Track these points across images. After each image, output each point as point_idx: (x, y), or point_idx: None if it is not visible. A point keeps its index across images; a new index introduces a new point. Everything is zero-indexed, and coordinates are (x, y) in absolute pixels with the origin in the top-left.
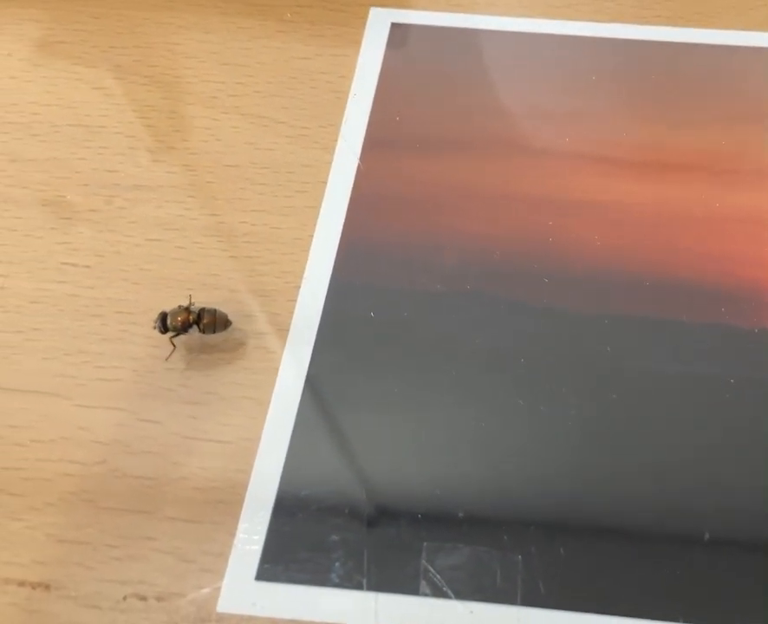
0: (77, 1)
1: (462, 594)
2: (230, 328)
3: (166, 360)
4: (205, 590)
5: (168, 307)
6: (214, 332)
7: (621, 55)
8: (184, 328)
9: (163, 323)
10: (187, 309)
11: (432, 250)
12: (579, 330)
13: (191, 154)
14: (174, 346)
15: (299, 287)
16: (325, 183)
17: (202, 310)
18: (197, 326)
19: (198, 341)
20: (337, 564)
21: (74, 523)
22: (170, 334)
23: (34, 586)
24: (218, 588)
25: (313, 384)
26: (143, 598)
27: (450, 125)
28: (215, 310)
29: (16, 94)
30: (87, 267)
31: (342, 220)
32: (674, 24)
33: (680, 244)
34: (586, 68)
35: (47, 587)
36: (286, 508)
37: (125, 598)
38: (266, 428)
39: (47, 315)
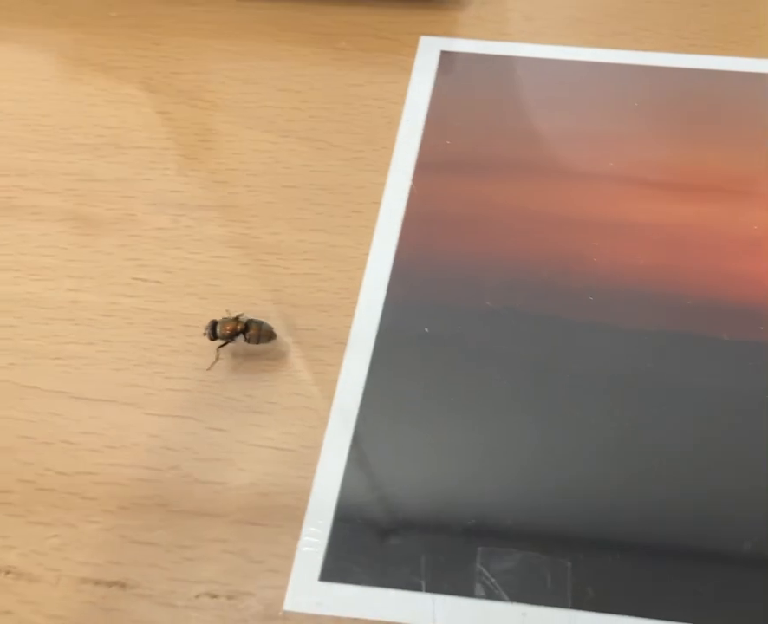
0: (139, 28)
1: (515, 597)
2: (274, 341)
3: (208, 370)
4: (272, 589)
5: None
6: (258, 343)
7: (661, 82)
8: (231, 337)
9: (212, 331)
10: (236, 319)
11: (482, 267)
12: (622, 346)
13: (251, 176)
14: (218, 357)
15: (356, 302)
16: (379, 203)
17: (249, 321)
18: (243, 335)
19: (269, 354)
20: (397, 567)
21: (147, 526)
22: (218, 341)
23: (109, 585)
24: (284, 588)
25: (370, 394)
26: (214, 596)
27: (498, 149)
28: (261, 322)
29: (81, 116)
30: (157, 282)
31: (396, 239)
32: (711, 53)
33: (720, 264)
34: (628, 94)
35: (122, 585)
36: (347, 512)
37: (197, 596)
38: (327, 437)
39: (117, 327)
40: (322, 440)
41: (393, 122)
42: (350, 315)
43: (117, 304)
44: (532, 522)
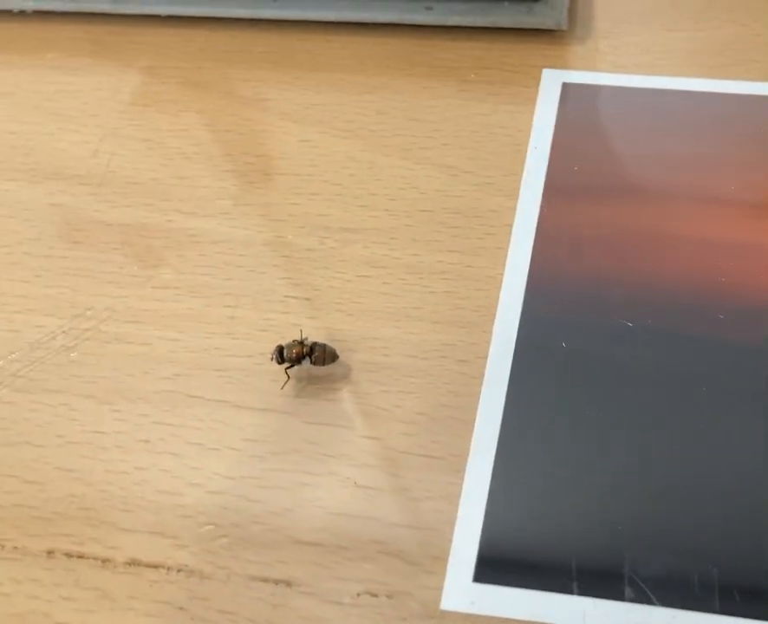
0: (280, 63)
1: (664, 601)
2: (337, 362)
3: (282, 388)
4: (429, 590)
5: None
6: (323, 364)
7: None
8: (297, 360)
9: (280, 355)
10: (301, 343)
11: (613, 286)
12: (756, 363)
13: (390, 200)
14: (288, 377)
15: (493, 319)
16: (510, 226)
17: (314, 344)
18: (309, 358)
19: (418, 366)
20: (547, 570)
21: (310, 527)
22: (285, 365)
23: (276, 582)
24: (440, 589)
25: (512, 405)
26: (375, 595)
27: (622, 174)
28: (325, 345)
29: (230, 145)
30: (307, 299)
31: (529, 259)
32: None
33: None
34: (744, 122)
35: (288, 583)
36: (496, 518)
37: (358, 595)
38: (473, 445)
39: (273, 341)
40: (468, 449)
41: (520, 149)
42: (488, 332)
43: (271, 320)
44: (678, 528)
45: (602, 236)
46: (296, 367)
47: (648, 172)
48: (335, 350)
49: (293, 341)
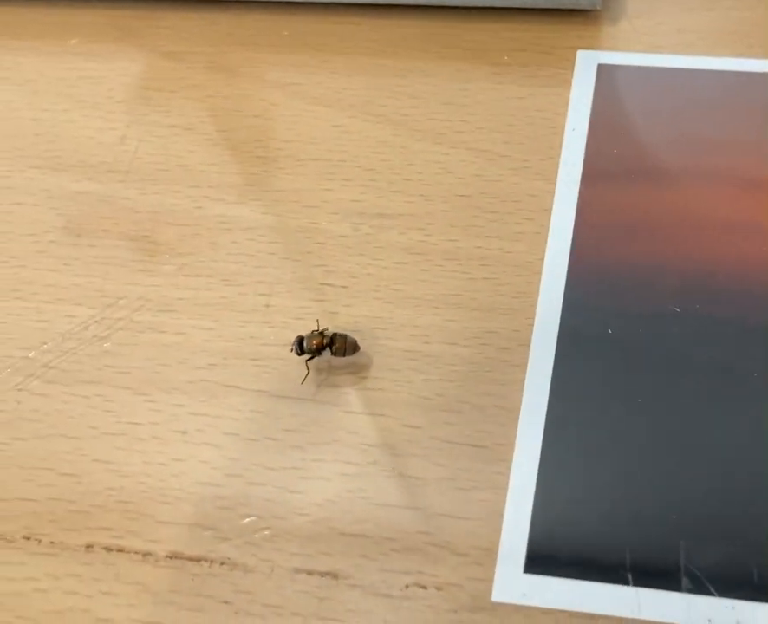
0: (309, 46)
1: (722, 591)
2: (358, 353)
3: (302, 383)
4: (478, 581)
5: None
6: (344, 355)
7: None
8: (318, 351)
9: (299, 346)
10: (321, 334)
11: (656, 271)
12: None
13: (425, 185)
14: (309, 370)
15: (535, 306)
16: (549, 210)
17: (334, 335)
18: (329, 349)
19: (461, 355)
20: (600, 559)
21: (353, 518)
22: (305, 356)
23: (322, 575)
24: (490, 580)
25: (557, 393)
26: (423, 587)
27: (663, 156)
28: (346, 335)
29: (260, 130)
30: (344, 287)
31: (569, 244)
32: None
33: None
34: None
35: (334, 576)
36: (545, 507)
37: (407, 587)
38: (519, 434)
39: (309, 330)
40: (514, 438)
41: (557, 132)
42: (530, 318)
43: (308, 308)
44: (735, 515)
45: (644, 220)
46: (316, 358)
47: (690, 155)
48: (355, 341)
49: (312, 331)
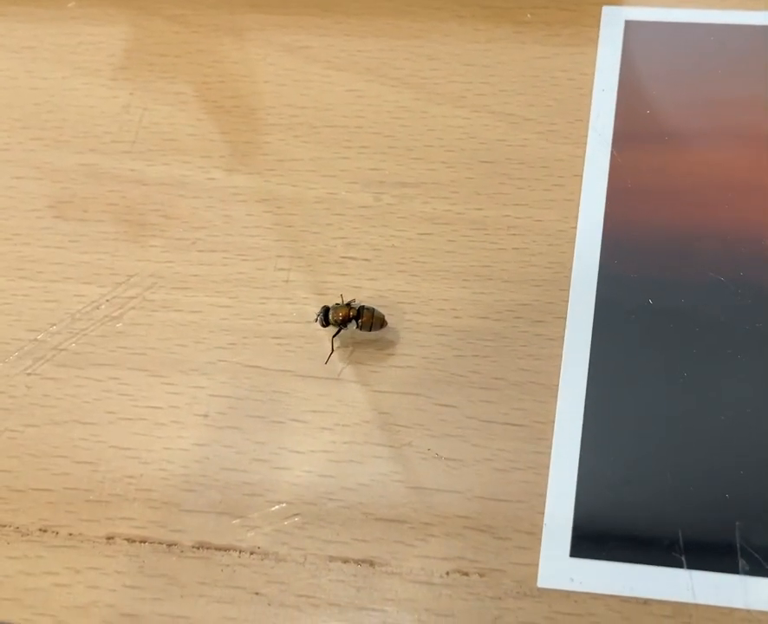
0: (320, 8)
1: None
2: (385, 328)
3: (326, 363)
4: (523, 566)
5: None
6: (370, 330)
7: None
8: (344, 323)
9: (325, 317)
10: (348, 305)
11: (696, 238)
12: None
13: (447, 152)
14: (333, 349)
15: (569, 276)
16: (580, 176)
17: (362, 308)
18: (356, 322)
19: (493, 328)
20: (651, 541)
21: (388, 503)
22: (330, 329)
23: (358, 562)
24: (535, 565)
25: (596, 367)
26: (465, 574)
27: (699, 117)
28: (373, 309)
29: (272, 96)
30: (366, 260)
31: (603, 211)
32: None
33: None
34: None
35: (371, 563)
36: (590, 487)
37: (448, 573)
38: (558, 411)
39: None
40: (553, 415)
41: (584, 94)
42: (565, 289)
43: (330, 283)
44: None
45: (681, 184)
46: (341, 332)
47: (728, 114)
48: (383, 315)
49: (339, 302)
